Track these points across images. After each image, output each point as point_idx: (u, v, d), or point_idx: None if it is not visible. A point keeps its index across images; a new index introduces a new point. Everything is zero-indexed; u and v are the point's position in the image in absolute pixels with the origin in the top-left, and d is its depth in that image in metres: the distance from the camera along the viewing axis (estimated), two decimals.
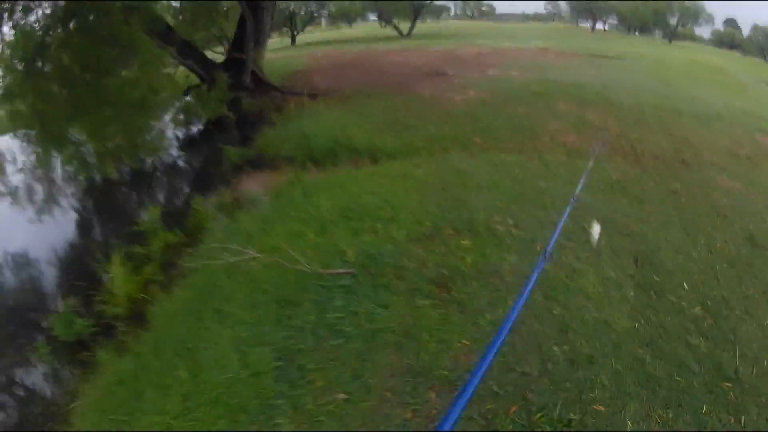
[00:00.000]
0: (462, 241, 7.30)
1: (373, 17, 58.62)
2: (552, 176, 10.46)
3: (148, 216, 10.61)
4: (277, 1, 22.47)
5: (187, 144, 18.01)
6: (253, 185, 12.04)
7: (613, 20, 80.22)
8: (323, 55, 34.03)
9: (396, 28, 49.66)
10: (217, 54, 23.98)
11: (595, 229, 6.76)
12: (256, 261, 6.89)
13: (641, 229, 8.21)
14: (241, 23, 21.11)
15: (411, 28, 49.32)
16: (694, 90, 23.68)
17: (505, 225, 7.83)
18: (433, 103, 17.03)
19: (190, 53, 20.04)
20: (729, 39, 76.84)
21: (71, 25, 15.31)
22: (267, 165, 13.54)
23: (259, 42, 21.22)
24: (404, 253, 6.92)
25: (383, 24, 52.11)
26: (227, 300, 6.64)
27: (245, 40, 20.64)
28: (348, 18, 62.25)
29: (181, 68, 20.76)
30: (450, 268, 6.49)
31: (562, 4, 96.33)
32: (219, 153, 14.88)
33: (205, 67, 20.61)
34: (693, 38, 74.56)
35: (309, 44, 46.62)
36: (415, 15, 49.51)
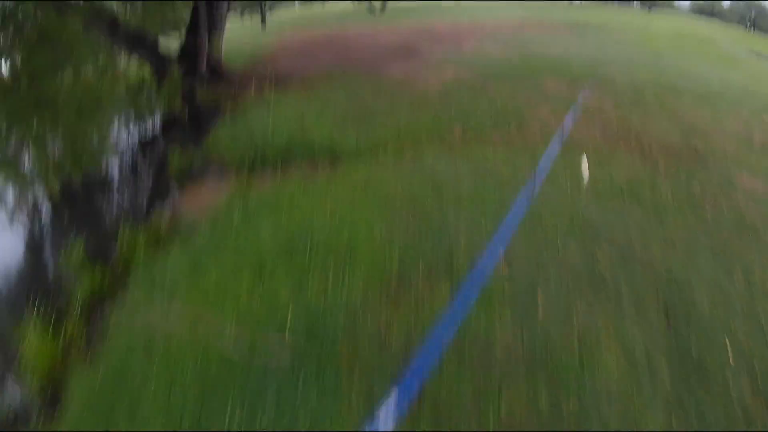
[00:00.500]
0: (438, 289, 5.43)
1: None
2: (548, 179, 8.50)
3: (71, 253, 8.48)
4: None
5: (135, 147, 15.75)
6: (194, 203, 10.02)
7: None
8: (291, 36, 31.74)
9: (369, 5, 47.22)
10: (175, 41, 21.67)
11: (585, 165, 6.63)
12: (176, 334, 5.22)
13: (666, 259, 6.31)
14: (196, 7, 18.90)
15: (383, 5, 46.91)
16: (686, 63, 21.76)
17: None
18: (405, 87, 15.03)
19: (140, 43, 17.82)
20: (709, 8, 74.97)
21: None
22: (214, 172, 11.45)
23: (216, 26, 18.96)
24: (361, 316, 5.09)
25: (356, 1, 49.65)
26: (142, 389, 4.83)
27: (199, 25, 18.47)
28: None
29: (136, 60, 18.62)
30: (421, 335, 4.75)
31: None
32: (165, 159, 12.78)
33: (157, 57, 18.42)
34: (672, 8, 72.60)
35: (281, 24, 44.17)
36: None
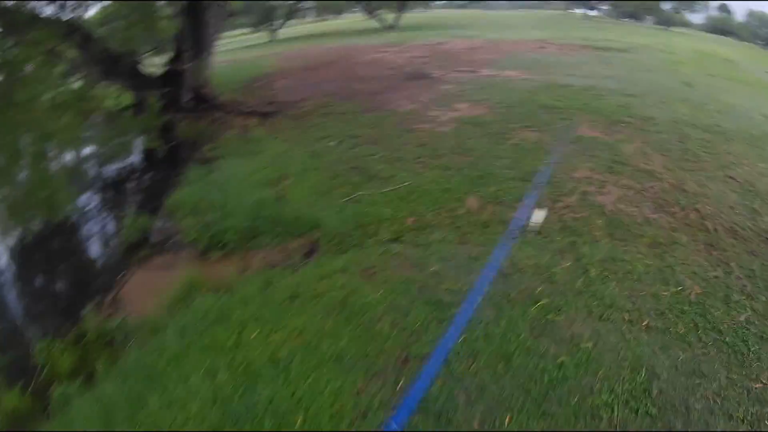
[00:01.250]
0: None
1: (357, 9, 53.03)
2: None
3: None
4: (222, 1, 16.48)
5: (88, 205, 12.91)
6: (135, 299, 7.51)
7: (603, 6, 75.27)
8: (297, 54, 29.16)
9: (380, 20, 44.43)
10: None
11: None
12: None
13: None
14: (192, 23, 16.23)
15: (396, 20, 44.11)
16: (719, 93, 18.76)
17: None
18: (412, 126, 12.30)
19: (117, 66, 15.13)
20: (721, 25, 71.93)
21: None
22: (170, 250, 8.92)
23: (202, 49, 16.21)
24: None
25: (368, 16, 46.83)
26: None
27: (183, 48, 15.82)
28: (335, 9, 57.03)
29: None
30: None
31: None
32: (119, 224, 10.43)
33: (136, 84, 15.73)
34: (685, 24, 69.54)
35: (290, 39, 41.57)
36: (400, 5, 44.19)
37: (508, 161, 9.90)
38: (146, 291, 7.54)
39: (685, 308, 5.82)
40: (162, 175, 12.97)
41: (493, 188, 8.79)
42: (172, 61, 16.18)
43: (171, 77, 15.73)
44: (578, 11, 73.69)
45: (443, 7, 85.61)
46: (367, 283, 6.29)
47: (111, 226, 11.06)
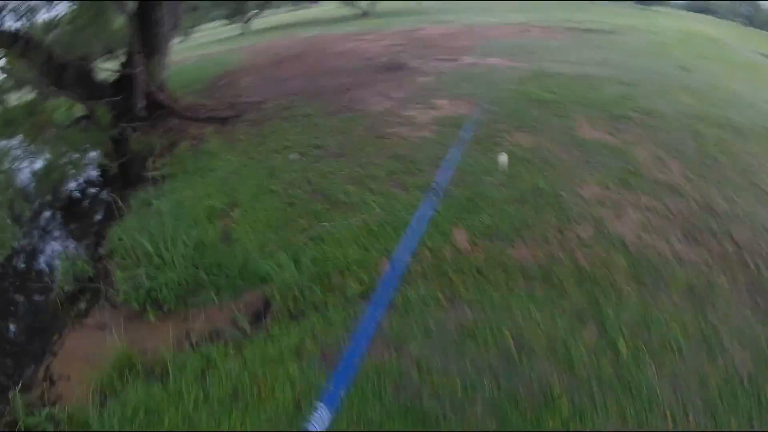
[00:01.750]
0: None
1: None
2: None
3: None
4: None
5: (22, 244, 11.02)
6: (61, 380, 5.89)
7: None
8: (266, 47, 27.01)
9: (355, 6, 42.22)
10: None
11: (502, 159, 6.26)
12: None
13: None
14: (143, 21, 14.19)
15: (371, 6, 41.93)
16: (718, 78, 17.09)
17: None
18: (385, 132, 10.42)
19: (66, 76, 13.18)
20: (702, 2, 70.09)
21: None
22: (102, 306, 6.99)
23: (156, 49, 14.15)
24: None
25: (343, 3, 44.49)
26: None
27: (132, 51, 13.84)
28: None
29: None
30: None
31: None
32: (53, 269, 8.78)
33: (87, 93, 13.72)
34: (664, 3, 67.69)
35: (263, 31, 39.43)
36: None
37: (501, 176, 8.10)
38: (80, 362, 5.88)
39: (737, 393, 4.37)
40: (109, 199, 11.26)
41: (487, 217, 6.97)
42: (124, 65, 14.17)
43: (123, 83, 13.71)
44: None
45: None
46: (326, 374, 4.49)
47: (48, 268, 9.16)
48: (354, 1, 41.93)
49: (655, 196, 7.52)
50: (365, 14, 40.23)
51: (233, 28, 43.69)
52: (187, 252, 6.99)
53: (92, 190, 12.95)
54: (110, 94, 13.47)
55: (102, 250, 8.57)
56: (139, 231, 7.88)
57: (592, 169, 8.36)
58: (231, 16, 42.93)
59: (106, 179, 12.66)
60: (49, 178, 12.34)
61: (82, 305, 7.29)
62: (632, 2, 60.70)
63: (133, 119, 13.31)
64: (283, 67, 19.49)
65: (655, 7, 57.83)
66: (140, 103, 13.44)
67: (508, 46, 20.14)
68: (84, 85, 13.58)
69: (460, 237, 6.61)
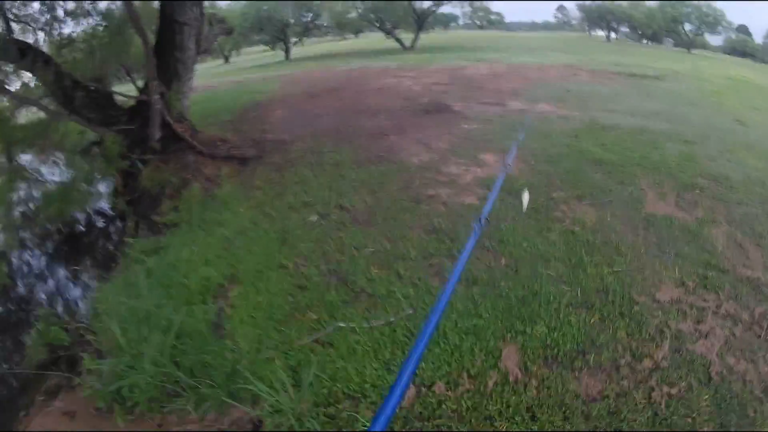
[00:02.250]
0: None
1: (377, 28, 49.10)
2: None
3: None
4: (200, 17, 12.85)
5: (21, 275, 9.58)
6: None
7: (624, 28, 71.52)
8: (304, 76, 25.66)
9: (398, 40, 40.65)
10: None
11: (525, 197, 5.55)
12: None
13: None
14: (162, 46, 12.67)
15: (414, 40, 40.31)
16: None
17: None
18: (423, 195, 8.73)
19: (71, 95, 11.68)
20: (741, 46, 67.74)
21: None
22: (73, 388, 5.56)
23: (177, 76, 12.60)
24: None
25: (387, 35, 43.03)
26: None
27: (150, 77, 12.34)
28: (353, 29, 53.31)
29: None
30: None
31: (573, 11, 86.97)
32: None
33: (102, 117, 12.23)
34: (705, 46, 65.71)
35: (305, 59, 38.12)
36: (419, 25, 40.32)
37: (561, 266, 6.32)
38: None
39: None
40: (106, 246, 9.79)
41: (543, 329, 5.20)
42: (142, 90, 12.65)
43: (139, 111, 12.16)
44: (599, 33, 70.02)
45: (462, 28, 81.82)
46: None
47: (25, 324, 7.80)
48: (397, 35, 40.27)
49: (738, 301, 5.75)
50: (409, 48, 38.62)
51: (275, 55, 42.52)
52: (167, 342, 5.30)
53: (98, 225, 11.46)
54: (125, 121, 11.98)
55: (84, 312, 7.34)
56: (120, 301, 6.37)
57: (667, 259, 6.56)
58: (272, 43, 41.78)
59: (113, 216, 11.13)
60: (49, 206, 10.95)
61: (53, 381, 5.78)
62: (675, 47, 58.86)
63: (146, 151, 11.80)
64: (318, 101, 17.91)
65: (697, 52, 55.66)
66: (156, 135, 11.93)
67: (557, 90, 18.42)
68: (97, 108, 12.13)
69: (510, 357, 4.82)
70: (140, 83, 13.21)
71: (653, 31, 65.28)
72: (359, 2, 41.26)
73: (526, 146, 10.91)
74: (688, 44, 58.43)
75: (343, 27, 45.71)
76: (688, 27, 61.04)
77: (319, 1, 40.24)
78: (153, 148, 11.89)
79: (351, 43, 50.89)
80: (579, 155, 10.49)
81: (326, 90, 20.18)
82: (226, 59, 49.87)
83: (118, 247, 9.26)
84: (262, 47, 45.39)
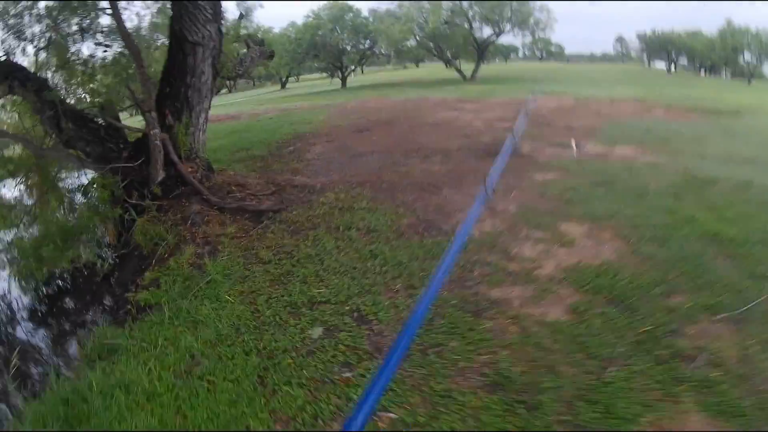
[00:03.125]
0: None
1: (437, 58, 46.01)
2: None
3: None
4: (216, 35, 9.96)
5: None
6: None
7: (683, 60, 67.16)
8: (356, 106, 22.81)
9: (458, 70, 37.47)
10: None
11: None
12: None
13: None
14: (171, 71, 9.86)
15: (475, 70, 37.11)
16: None
17: None
18: (481, 301, 5.59)
19: (80, 129, 9.39)
20: None
21: None
22: None
23: (189, 104, 9.74)
24: None
25: (447, 65, 40.01)
26: None
27: (152, 108, 9.63)
28: (413, 57, 50.54)
29: None
30: None
31: (632, 42, 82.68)
32: None
33: (100, 152, 9.52)
34: (762, 76, 60.73)
35: (361, 87, 35.38)
36: (479, 55, 37.06)
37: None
38: None
39: None
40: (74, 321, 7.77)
41: None
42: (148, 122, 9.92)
43: (146, 145, 9.40)
44: (658, 65, 65.88)
45: (521, 60, 78.47)
46: None
47: None
48: (457, 65, 37.14)
49: None
50: (470, 78, 35.46)
51: (332, 82, 40.04)
52: None
53: (80, 287, 8.81)
54: (125, 158, 9.27)
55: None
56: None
57: None
58: (328, 70, 39.30)
59: (82, 286, 8.71)
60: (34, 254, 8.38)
61: None
62: (733, 78, 54.56)
63: (145, 196, 9.07)
64: (365, 137, 15.03)
65: (755, 82, 50.91)
66: (157, 176, 9.19)
67: (634, 130, 15.01)
68: (95, 141, 9.50)
69: None
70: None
71: (712, 62, 61.04)
72: (416, 29, 38.20)
73: (619, 212, 7.76)
74: (749, 75, 53.72)
75: (401, 55, 42.82)
76: (747, 57, 56.60)
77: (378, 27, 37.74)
78: (154, 192, 9.13)
79: (410, 72, 48.00)
80: (688, 228, 7.20)
81: (377, 123, 17.28)
82: (283, 85, 47.74)
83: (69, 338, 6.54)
84: (322, 74, 43.01)
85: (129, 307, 6.57)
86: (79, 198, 10.04)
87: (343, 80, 39.57)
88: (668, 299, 5.33)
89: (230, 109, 27.89)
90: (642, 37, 70.69)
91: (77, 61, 10.24)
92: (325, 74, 41.76)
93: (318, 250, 7.01)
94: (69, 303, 8.56)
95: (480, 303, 5.38)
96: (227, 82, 12.27)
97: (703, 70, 64.13)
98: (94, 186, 9.72)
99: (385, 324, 5.15)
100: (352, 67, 40.31)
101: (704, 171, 10.17)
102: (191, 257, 7.45)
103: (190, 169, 9.70)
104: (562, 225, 7.38)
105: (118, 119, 9.87)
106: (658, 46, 65.23)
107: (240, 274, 6.72)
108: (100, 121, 9.70)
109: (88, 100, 10.27)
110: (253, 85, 54.22)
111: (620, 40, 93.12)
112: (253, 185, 10.19)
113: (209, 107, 10.36)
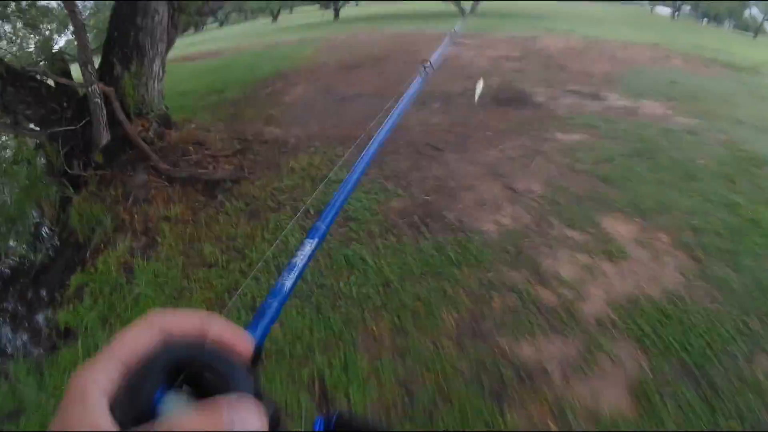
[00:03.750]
0: None
1: None
2: None
3: None
4: None
5: None
6: None
7: (686, 6, 63.51)
8: (346, 40, 20.13)
9: (456, 4, 34.16)
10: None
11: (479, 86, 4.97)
12: None
13: None
14: (119, 12, 7.62)
15: (475, 4, 33.78)
16: None
17: None
18: (507, 377, 3.51)
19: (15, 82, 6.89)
20: None
21: None
22: None
23: (141, 50, 7.50)
24: None
25: None
26: None
27: (110, 52, 7.45)
28: None
29: None
30: None
31: None
32: None
33: (37, 114, 7.20)
34: (764, 32, 57.76)
35: (354, 20, 32.38)
36: None
37: None
38: None
39: None
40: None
41: None
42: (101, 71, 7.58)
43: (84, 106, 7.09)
44: (660, 9, 62.36)
45: None
46: None
47: None
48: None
49: None
50: (469, 12, 32.32)
51: (325, 14, 37.00)
52: None
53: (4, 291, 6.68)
54: (68, 119, 7.00)
55: None
56: None
57: None
58: (319, 1, 36.30)
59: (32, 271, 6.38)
60: None
61: None
62: (736, 29, 51.83)
63: (87, 165, 6.86)
64: (353, 75, 12.70)
65: (761, 37, 47.88)
66: (101, 139, 6.96)
67: (658, 80, 12.56)
68: (36, 102, 7.16)
69: None
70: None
71: (716, 12, 57.77)
72: None
73: (673, 204, 5.68)
74: (755, 29, 50.50)
75: None
76: (753, 11, 53.50)
77: None
78: (96, 160, 6.91)
79: (407, 5, 44.54)
80: (757, 234, 5.14)
81: (367, 59, 14.83)
82: (274, 18, 44.53)
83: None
84: (315, 5, 39.83)
85: (47, 330, 4.80)
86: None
87: (336, 12, 36.51)
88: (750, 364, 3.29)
89: (212, 45, 25.23)
90: None
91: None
92: (318, 6, 38.58)
93: (277, 248, 4.84)
94: None
95: (504, 374, 3.26)
96: (196, 20, 9.79)
97: (705, 20, 60.96)
98: (21, 157, 7.48)
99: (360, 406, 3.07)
100: None
101: (748, 144, 7.92)
102: (123, 254, 5.41)
103: (140, 128, 7.49)
104: (603, 220, 5.26)
105: (68, 74, 7.41)
106: None
107: (176, 286, 4.70)
108: (46, 79, 7.31)
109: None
110: (245, 18, 51.10)
111: None
112: (215, 142, 7.96)
113: (166, 51, 8.06)
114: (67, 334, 4.49)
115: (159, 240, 5.50)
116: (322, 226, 1.08)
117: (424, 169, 6.53)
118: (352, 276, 4.42)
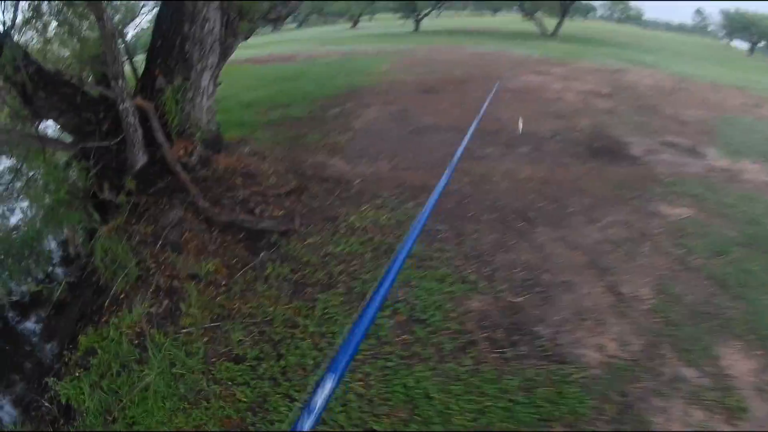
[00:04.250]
0: None
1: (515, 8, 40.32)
2: None
3: None
4: None
5: None
6: None
7: (762, 42, 59.88)
8: (425, 56, 18.71)
9: (539, 24, 32.28)
10: None
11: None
12: None
13: None
14: (164, 18, 6.53)
15: (558, 26, 31.68)
16: None
17: None
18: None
19: (51, 95, 5.94)
20: None
21: None
22: None
23: (187, 61, 6.41)
24: None
25: (526, 17, 34.77)
26: None
27: (154, 63, 6.50)
28: (492, 6, 45.36)
29: None
30: None
31: (712, 16, 74.96)
32: None
33: (72, 123, 6.23)
34: None
35: (434, 33, 30.98)
36: (564, 10, 31.51)
37: None
38: None
39: None
40: None
41: None
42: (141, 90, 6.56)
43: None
44: (739, 45, 58.91)
45: (599, 19, 71.46)
46: None
47: None
48: (538, 18, 32.12)
49: None
50: (551, 35, 30.42)
51: (405, 24, 35.83)
52: None
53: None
54: (103, 133, 5.98)
55: None
56: None
57: None
58: (401, 11, 35.09)
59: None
60: None
61: None
62: None
63: (119, 190, 5.79)
64: (431, 100, 11.47)
65: None
66: (137, 161, 5.88)
67: (755, 136, 10.44)
68: (69, 109, 6.27)
69: None
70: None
71: None
72: None
73: None
74: None
75: (479, 2, 37.82)
76: None
77: None
78: (128, 186, 5.85)
79: (487, 20, 42.92)
80: None
81: (448, 81, 13.50)
82: (355, 24, 43.66)
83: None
84: (396, 14, 38.72)
85: (49, 398, 3.87)
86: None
87: (417, 23, 35.23)
88: None
89: (286, 48, 24.30)
90: (725, 14, 63.57)
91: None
92: (398, 15, 37.44)
93: (317, 352, 3.61)
94: None
95: None
96: (266, 24, 8.63)
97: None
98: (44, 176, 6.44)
99: None
100: (426, 11, 35.83)
101: None
102: (139, 320, 4.30)
103: (182, 152, 6.38)
104: (722, 351, 3.80)
105: (107, 83, 6.32)
106: (741, 25, 58.16)
107: (192, 384, 3.58)
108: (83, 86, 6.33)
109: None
110: (325, 22, 50.37)
111: (699, 12, 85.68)
112: (267, 176, 6.83)
113: (219, 63, 6.93)
114: (68, 410, 3.64)
115: (183, 308, 4.37)
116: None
117: (511, 249, 5.18)
118: (411, 422, 3.15)
